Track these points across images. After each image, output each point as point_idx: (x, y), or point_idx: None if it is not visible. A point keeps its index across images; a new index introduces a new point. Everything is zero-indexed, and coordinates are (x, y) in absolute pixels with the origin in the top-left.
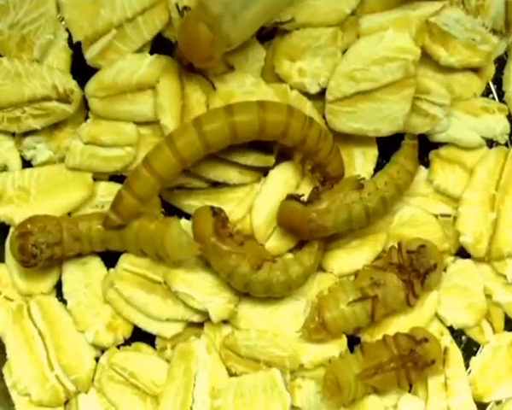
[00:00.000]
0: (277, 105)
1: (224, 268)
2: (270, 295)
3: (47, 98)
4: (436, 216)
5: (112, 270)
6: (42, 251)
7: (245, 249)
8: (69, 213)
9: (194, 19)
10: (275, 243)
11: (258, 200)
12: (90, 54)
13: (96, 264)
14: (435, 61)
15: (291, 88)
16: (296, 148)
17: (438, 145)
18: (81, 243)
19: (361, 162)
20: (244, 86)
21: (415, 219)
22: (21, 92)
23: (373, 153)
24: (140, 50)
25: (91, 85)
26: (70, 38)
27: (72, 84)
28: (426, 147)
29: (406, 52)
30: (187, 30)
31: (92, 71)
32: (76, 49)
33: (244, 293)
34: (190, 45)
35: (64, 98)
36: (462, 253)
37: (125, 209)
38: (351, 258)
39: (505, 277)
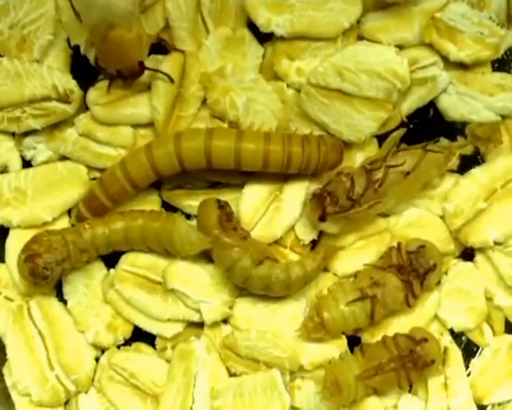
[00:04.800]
0: (277, 136)
1: (226, 261)
2: (268, 293)
3: (47, 98)
4: (442, 217)
5: (112, 271)
6: (52, 270)
7: (248, 244)
8: (69, 211)
9: (102, 39)
10: (260, 232)
11: (249, 187)
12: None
13: (96, 264)
14: (445, 57)
15: (288, 86)
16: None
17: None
18: (88, 252)
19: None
20: (243, 82)
21: (421, 220)
22: (21, 92)
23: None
24: None
25: (93, 93)
26: None
27: (72, 84)
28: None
29: (397, 78)
30: (109, 52)
31: (92, 71)
32: (76, 49)
33: (244, 294)
34: (123, 53)
35: (64, 98)
36: (465, 255)
37: (98, 208)
38: (355, 259)
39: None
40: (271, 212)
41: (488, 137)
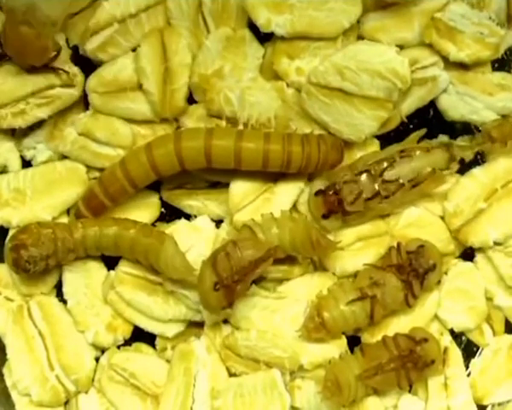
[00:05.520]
0: (276, 135)
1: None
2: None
3: (50, 87)
4: (442, 217)
5: (112, 272)
6: (36, 264)
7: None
8: (68, 210)
9: (12, 26)
10: (244, 217)
11: (244, 173)
12: (90, 45)
13: (96, 264)
14: (445, 57)
15: (287, 85)
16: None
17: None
18: (76, 251)
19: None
20: (241, 81)
21: (421, 220)
22: (24, 87)
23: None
24: None
25: (92, 81)
26: None
27: (74, 69)
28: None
29: (398, 78)
30: (12, 41)
31: (92, 70)
32: (75, 49)
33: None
34: (23, 51)
35: (68, 83)
36: (465, 255)
37: (97, 206)
38: (354, 259)
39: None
40: (261, 201)
41: (504, 137)
